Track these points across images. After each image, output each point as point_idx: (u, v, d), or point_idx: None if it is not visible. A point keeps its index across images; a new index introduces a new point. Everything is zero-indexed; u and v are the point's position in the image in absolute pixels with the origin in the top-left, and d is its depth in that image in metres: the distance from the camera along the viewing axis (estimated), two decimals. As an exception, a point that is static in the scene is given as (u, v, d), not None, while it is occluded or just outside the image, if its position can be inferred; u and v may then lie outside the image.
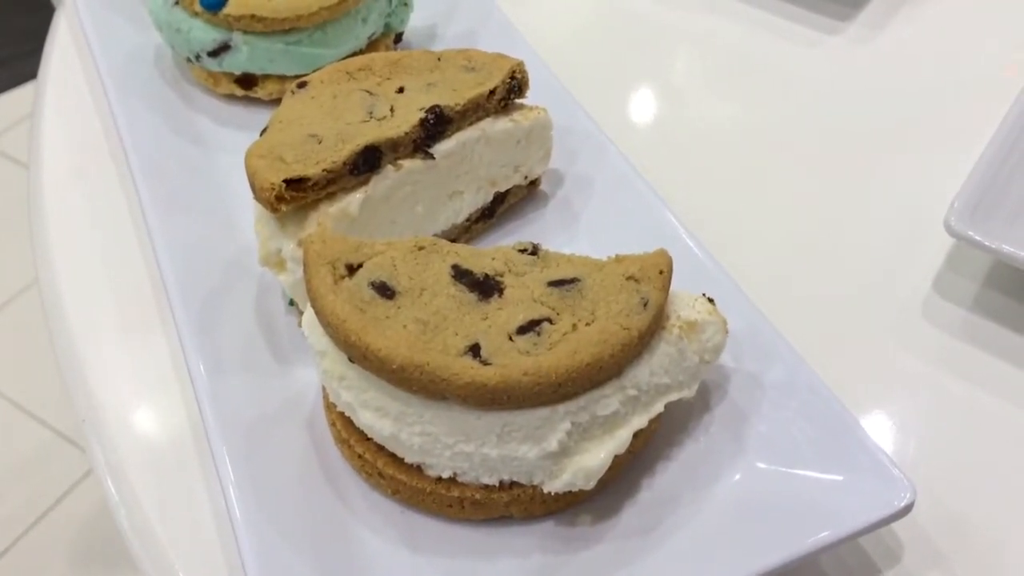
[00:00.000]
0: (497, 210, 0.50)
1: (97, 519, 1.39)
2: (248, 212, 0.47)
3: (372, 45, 0.58)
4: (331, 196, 0.43)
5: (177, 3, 0.55)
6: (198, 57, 0.56)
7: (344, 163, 0.43)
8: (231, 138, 0.56)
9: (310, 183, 0.42)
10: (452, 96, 0.46)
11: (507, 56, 0.49)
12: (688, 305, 0.39)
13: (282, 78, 0.56)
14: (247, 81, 0.57)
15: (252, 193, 0.43)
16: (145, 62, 0.60)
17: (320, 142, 0.43)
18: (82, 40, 0.64)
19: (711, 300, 0.40)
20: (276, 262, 0.43)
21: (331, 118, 0.45)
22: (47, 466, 1.43)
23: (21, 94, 2.06)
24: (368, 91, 0.47)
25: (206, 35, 0.55)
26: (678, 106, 0.62)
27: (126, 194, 0.56)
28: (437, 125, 0.45)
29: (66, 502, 1.40)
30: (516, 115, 0.48)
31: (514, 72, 0.48)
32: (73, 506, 1.42)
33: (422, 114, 0.45)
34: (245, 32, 0.54)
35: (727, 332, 0.40)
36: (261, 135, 0.46)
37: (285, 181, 0.41)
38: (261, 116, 0.57)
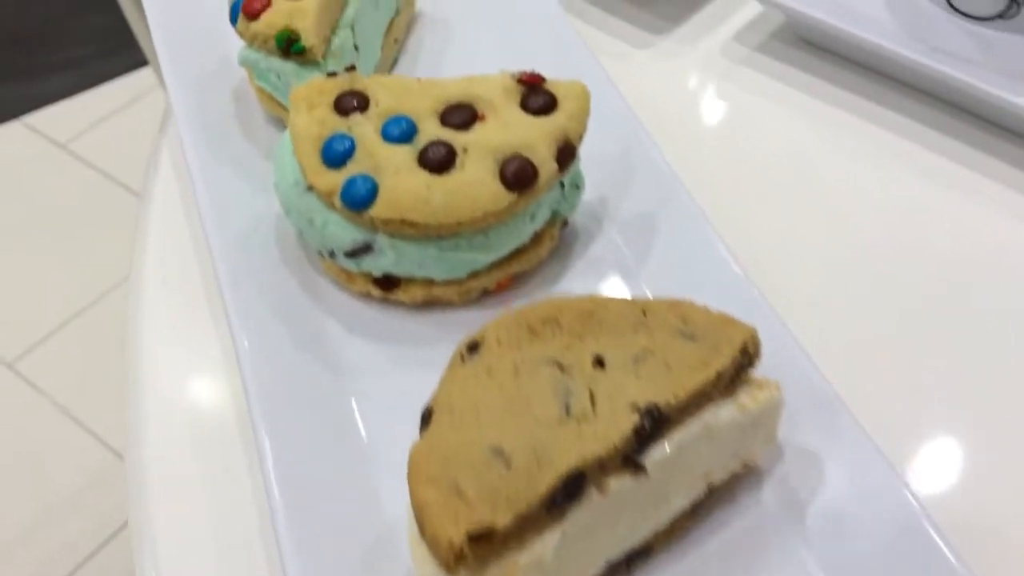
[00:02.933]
0: (707, 504, 0.40)
1: None
2: (388, 477, 0.39)
3: (537, 238, 0.48)
4: (520, 539, 0.33)
5: (310, 189, 0.45)
6: (332, 254, 0.46)
7: (542, 499, 0.33)
8: (366, 354, 0.46)
9: (500, 536, 0.32)
10: (669, 382, 0.36)
11: (732, 319, 0.38)
12: None
13: (430, 282, 0.46)
14: (388, 283, 0.47)
15: (419, 532, 0.33)
16: (264, 238, 0.51)
17: (508, 464, 0.33)
18: (187, 188, 0.55)
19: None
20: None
21: (516, 414, 0.35)
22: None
23: (96, 96, 1.98)
24: (558, 363, 0.37)
25: (345, 233, 0.45)
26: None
27: (236, 407, 0.47)
28: (654, 430, 0.35)
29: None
30: (743, 397, 0.38)
31: (746, 346, 0.37)
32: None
33: (635, 418, 0.35)
34: (392, 235, 0.44)
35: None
36: (424, 423, 0.36)
37: (469, 535, 0.31)
38: (402, 322, 0.48)
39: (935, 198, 0.56)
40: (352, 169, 0.44)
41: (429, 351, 0.47)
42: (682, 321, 0.38)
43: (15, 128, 1.92)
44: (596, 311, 0.39)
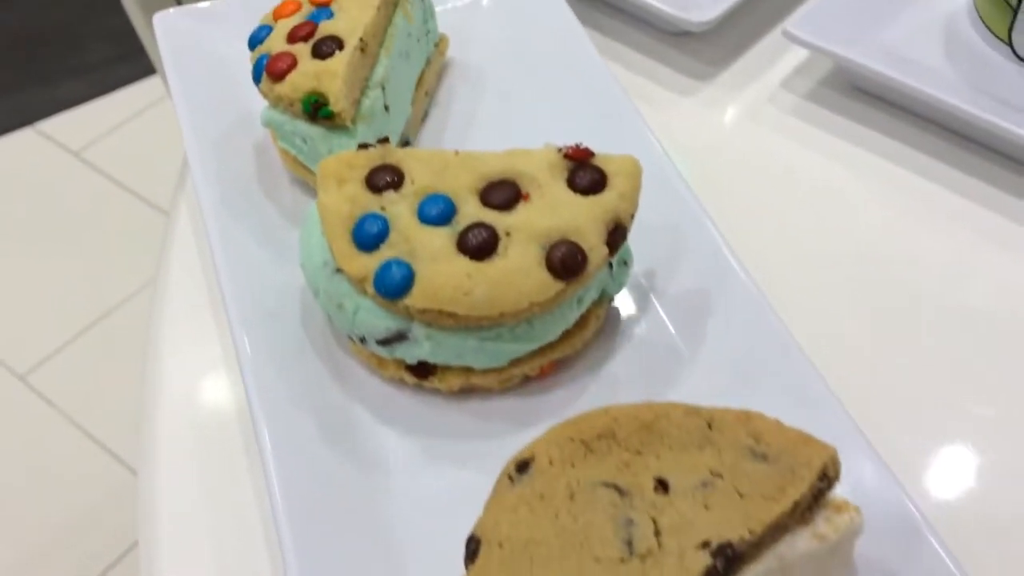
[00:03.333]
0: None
1: None
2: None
3: (582, 319, 0.44)
4: None
5: (339, 271, 0.42)
6: (363, 340, 0.43)
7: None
8: (397, 446, 0.43)
9: None
10: (742, 513, 0.33)
11: (808, 437, 0.35)
12: None
13: (468, 369, 0.43)
14: (423, 370, 0.43)
15: None
16: (288, 313, 0.47)
17: (568, 619, 0.30)
18: (206, 253, 0.52)
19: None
20: None
21: (574, 552, 0.32)
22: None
23: (110, 102, 1.95)
24: (617, 486, 0.34)
25: (377, 320, 0.42)
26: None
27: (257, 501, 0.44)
28: (727, 571, 0.32)
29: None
30: (821, 524, 0.34)
31: (826, 470, 0.34)
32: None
33: (707, 559, 0.31)
34: (429, 325, 0.41)
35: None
36: (470, 556, 0.33)
37: None
38: (438, 410, 0.44)
39: (1001, 262, 0.52)
40: (386, 253, 0.41)
41: (467, 443, 0.44)
42: (753, 438, 0.35)
43: (28, 135, 1.89)
44: (655, 423, 0.35)
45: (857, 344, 0.48)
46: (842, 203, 0.55)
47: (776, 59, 0.63)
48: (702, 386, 0.44)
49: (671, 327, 0.46)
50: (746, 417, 0.35)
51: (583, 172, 0.42)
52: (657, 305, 0.47)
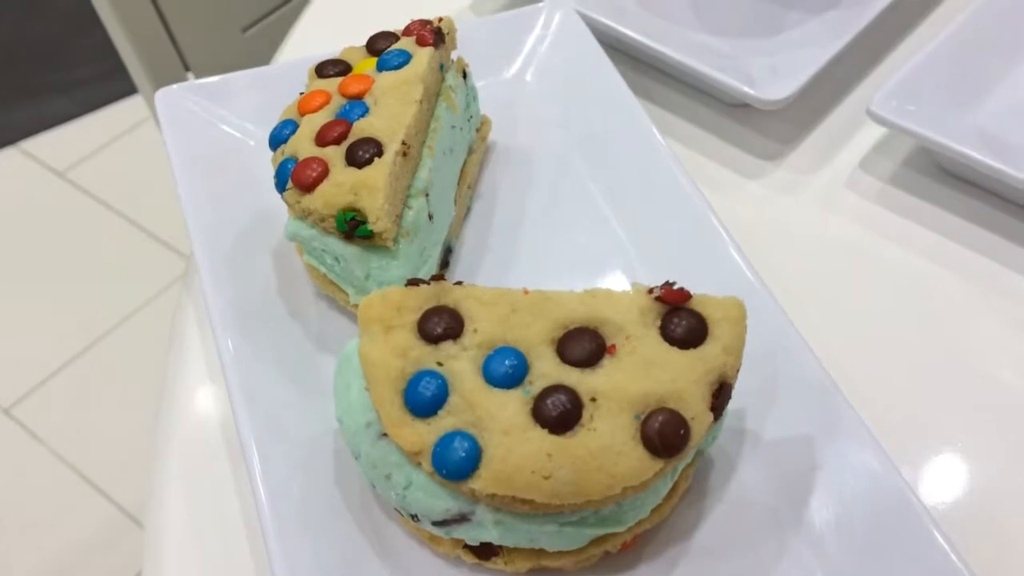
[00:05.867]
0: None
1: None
2: None
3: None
4: None
5: (385, 436, 0.35)
6: (415, 517, 0.36)
7: None
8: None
9: None
10: None
11: None
12: None
13: (539, 552, 0.36)
14: (485, 551, 0.37)
15: None
16: (318, 470, 0.40)
17: None
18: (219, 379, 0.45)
19: None
20: None
21: None
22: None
23: (96, 120, 1.87)
24: None
25: (435, 501, 0.35)
26: None
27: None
28: None
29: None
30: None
31: None
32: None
33: None
34: (498, 510, 0.34)
35: None
36: None
37: None
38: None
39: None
40: (446, 422, 0.34)
41: (536, 634, 0.37)
42: None
43: (12, 155, 1.81)
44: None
45: (940, 435, 0.43)
46: (926, 299, 0.49)
47: (852, 135, 0.57)
48: (806, 555, 0.38)
49: (771, 487, 0.39)
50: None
51: (679, 319, 0.35)
52: (754, 458, 0.40)
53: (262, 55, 0.67)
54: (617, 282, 0.46)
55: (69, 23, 2.02)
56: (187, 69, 1.10)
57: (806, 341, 0.41)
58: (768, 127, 0.57)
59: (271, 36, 1.15)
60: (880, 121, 0.52)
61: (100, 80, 1.93)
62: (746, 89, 0.53)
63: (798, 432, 0.40)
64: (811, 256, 0.51)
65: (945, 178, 0.54)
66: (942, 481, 0.42)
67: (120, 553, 1.29)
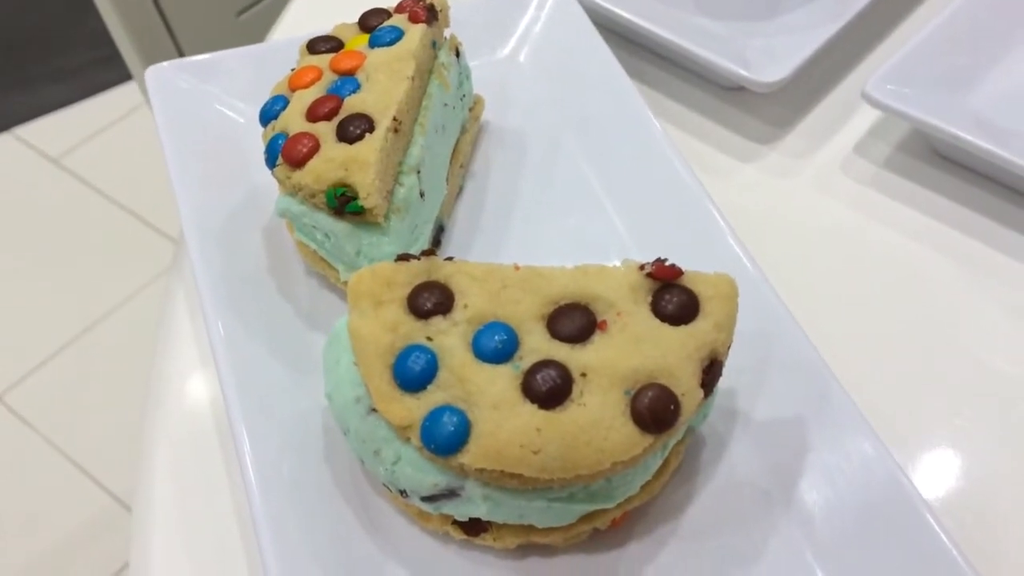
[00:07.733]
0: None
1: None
2: None
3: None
4: None
5: (374, 411, 0.35)
6: (404, 492, 0.36)
7: None
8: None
9: None
10: None
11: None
12: None
13: (528, 527, 0.36)
14: (474, 526, 0.36)
15: None
16: (308, 447, 0.40)
17: None
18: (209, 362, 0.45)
19: None
20: None
21: None
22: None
23: (91, 106, 1.86)
24: None
25: (423, 476, 0.34)
26: None
27: None
28: None
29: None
30: None
31: None
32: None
33: None
34: (487, 484, 0.34)
35: None
36: None
37: None
38: (489, 569, 0.37)
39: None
40: (435, 396, 0.34)
41: (523, 611, 0.37)
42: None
43: (6, 140, 1.80)
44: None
45: (933, 420, 0.43)
46: (920, 283, 0.49)
47: (847, 119, 0.56)
48: (796, 536, 0.38)
49: (763, 464, 0.39)
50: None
51: (670, 295, 0.35)
52: (745, 437, 0.40)
53: (256, 38, 0.66)
54: (609, 263, 0.46)
55: (63, 10, 2.01)
56: (181, 55, 1.10)
57: (799, 323, 0.41)
58: (763, 110, 0.57)
59: (265, 19, 1.15)
60: (875, 104, 0.52)
61: (94, 67, 1.92)
62: (741, 71, 0.53)
63: (790, 414, 0.40)
64: (805, 239, 0.51)
65: (940, 162, 0.54)
66: (934, 464, 0.42)
67: (112, 540, 1.29)
